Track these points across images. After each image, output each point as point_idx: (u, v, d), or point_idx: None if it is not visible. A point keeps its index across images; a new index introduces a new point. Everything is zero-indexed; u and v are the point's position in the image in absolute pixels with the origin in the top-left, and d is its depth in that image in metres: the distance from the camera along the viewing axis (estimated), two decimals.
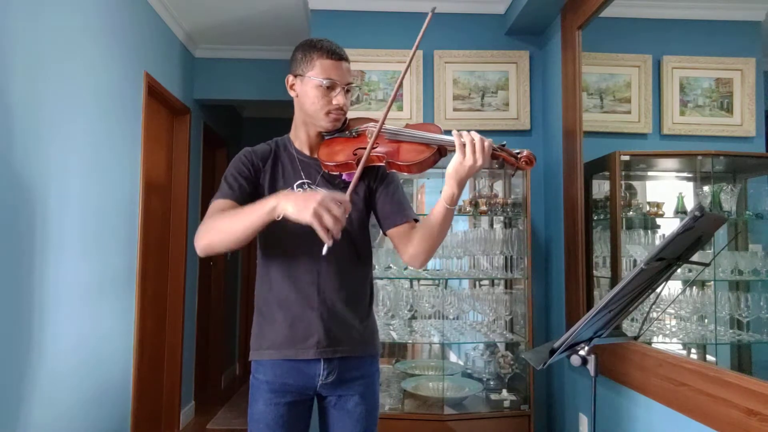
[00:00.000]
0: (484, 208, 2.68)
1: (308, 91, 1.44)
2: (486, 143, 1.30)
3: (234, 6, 3.24)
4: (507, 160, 1.34)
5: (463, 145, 1.29)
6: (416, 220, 1.50)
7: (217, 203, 1.40)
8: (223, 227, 1.31)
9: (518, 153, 1.34)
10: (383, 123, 1.39)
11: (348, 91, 1.46)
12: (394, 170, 1.42)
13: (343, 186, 1.48)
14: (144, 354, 3.08)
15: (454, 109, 2.94)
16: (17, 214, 1.90)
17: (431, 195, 2.81)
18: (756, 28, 1.89)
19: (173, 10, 3.26)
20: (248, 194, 1.44)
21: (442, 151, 1.39)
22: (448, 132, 1.35)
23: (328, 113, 1.45)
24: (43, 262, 2.04)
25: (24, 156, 1.92)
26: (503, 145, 1.35)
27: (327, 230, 1.19)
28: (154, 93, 3.17)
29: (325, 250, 1.24)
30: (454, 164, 1.31)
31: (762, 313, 1.75)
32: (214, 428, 3.73)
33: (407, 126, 1.44)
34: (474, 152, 1.28)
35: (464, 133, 1.31)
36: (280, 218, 1.23)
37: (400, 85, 1.45)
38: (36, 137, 1.99)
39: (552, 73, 2.81)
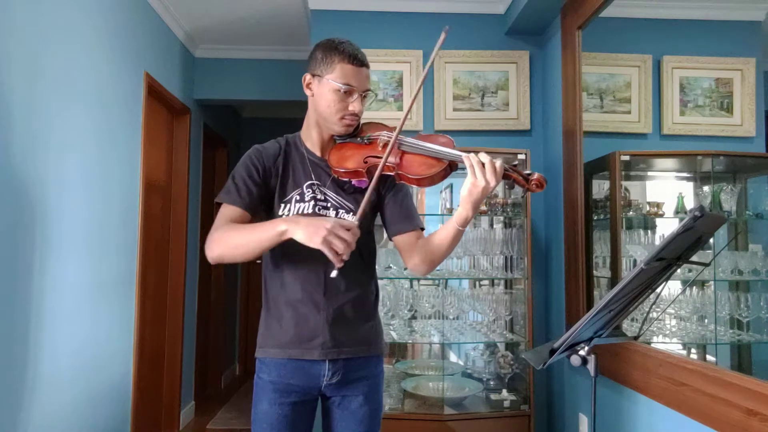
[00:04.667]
0: (484, 208, 2.68)
1: (325, 93, 1.42)
2: (498, 164, 1.29)
3: (234, 6, 3.24)
4: (518, 181, 1.32)
5: (474, 167, 1.28)
6: (422, 229, 1.51)
7: (226, 211, 1.40)
8: (235, 243, 1.34)
9: (529, 175, 1.32)
10: (396, 139, 1.37)
11: (365, 97, 1.45)
12: (403, 182, 1.42)
13: (353, 191, 1.48)
14: (144, 354, 3.08)
15: (454, 109, 2.94)
16: (16, 215, 1.90)
17: (431, 196, 2.81)
18: (756, 28, 1.89)
19: (173, 10, 3.26)
20: (257, 198, 1.44)
21: (452, 166, 1.38)
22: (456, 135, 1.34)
23: (342, 118, 1.43)
24: (42, 262, 2.04)
25: (24, 156, 1.92)
26: (515, 166, 1.33)
27: (337, 254, 1.23)
28: (154, 93, 3.17)
29: (334, 273, 1.28)
30: (468, 186, 1.30)
31: (762, 313, 1.75)
32: (214, 428, 3.73)
33: (419, 137, 1.42)
34: (485, 173, 1.28)
35: (472, 155, 1.30)
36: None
37: (415, 99, 1.44)
38: (35, 137, 1.99)
39: (552, 73, 2.81)
